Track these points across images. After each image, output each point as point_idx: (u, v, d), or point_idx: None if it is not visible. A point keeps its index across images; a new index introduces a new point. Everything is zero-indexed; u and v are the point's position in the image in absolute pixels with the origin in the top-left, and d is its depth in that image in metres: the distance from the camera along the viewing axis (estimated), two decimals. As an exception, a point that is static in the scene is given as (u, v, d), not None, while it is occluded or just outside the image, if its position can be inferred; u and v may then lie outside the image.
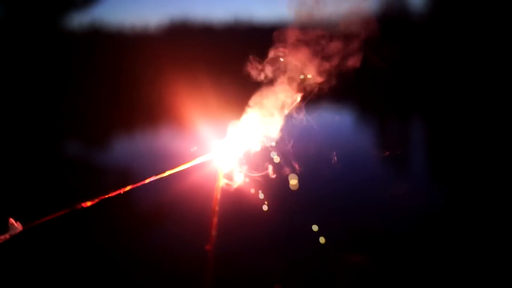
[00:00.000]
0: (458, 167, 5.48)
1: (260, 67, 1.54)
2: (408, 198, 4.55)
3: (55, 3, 10.37)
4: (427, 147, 7.18)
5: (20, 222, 1.14)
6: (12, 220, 1.15)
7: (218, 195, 1.29)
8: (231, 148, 1.36)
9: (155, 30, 12.27)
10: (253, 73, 1.53)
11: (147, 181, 1.20)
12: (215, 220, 1.27)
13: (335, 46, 1.52)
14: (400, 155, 6.61)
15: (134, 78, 10.30)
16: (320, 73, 1.52)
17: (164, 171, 1.25)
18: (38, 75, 9.07)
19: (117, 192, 1.15)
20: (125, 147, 7.53)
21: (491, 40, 9.75)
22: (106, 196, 1.14)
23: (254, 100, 1.47)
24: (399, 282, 3.10)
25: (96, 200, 1.13)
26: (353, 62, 1.56)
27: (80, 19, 11.73)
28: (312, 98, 1.50)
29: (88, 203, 1.14)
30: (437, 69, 9.81)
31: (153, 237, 3.63)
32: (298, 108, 1.47)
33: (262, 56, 1.55)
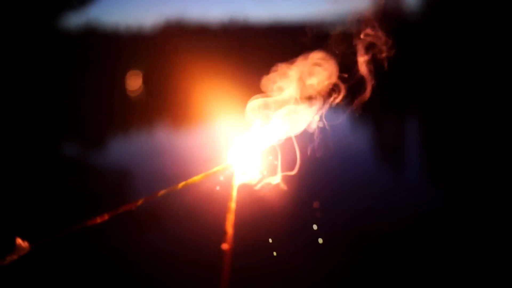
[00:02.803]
0: (455, 166, 5.50)
1: (261, 68, 1.52)
2: (405, 196, 4.55)
3: (51, 4, 10.29)
4: (423, 146, 7.19)
5: (27, 241, 1.10)
6: (19, 240, 1.11)
7: (234, 192, 1.26)
8: (244, 146, 1.34)
9: (151, 30, 12.22)
10: (256, 74, 1.51)
11: (160, 194, 1.16)
12: (231, 218, 1.23)
13: (337, 46, 1.51)
14: (397, 154, 6.62)
15: (131, 77, 10.26)
16: (326, 74, 1.50)
17: (176, 182, 1.21)
18: (34, 75, 9.00)
19: (129, 207, 1.10)
20: (123, 147, 7.48)
21: (486, 39, 9.77)
22: (119, 212, 1.09)
23: (256, 98, 1.44)
24: (397, 280, 3.10)
25: (107, 217, 1.09)
26: (352, 62, 1.55)
27: (76, 19, 11.66)
28: (314, 99, 1.48)
29: (98, 220, 1.09)
30: (433, 68, 9.82)
31: (167, 236, 3.63)
32: (301, 110, 1.45)
33: (256, 55, 1.52)
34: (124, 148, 7.46)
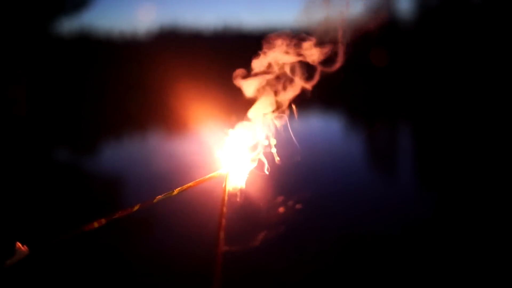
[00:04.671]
0: (446, 172, 5.53)
1: (250, 72, 1.55)
2: (396, 202, 4.58)
3: (45, 9, 10.27)
4: (415, 152, 7.23)
5: (27, 245, 1.13)
6: (19, 244, 1.14)
7: (225, 196, 1.29)
8: (234, 152, 1.36)
9: (145, 35, 12.22)
10: (244, 78, 1.53)
11: (155, 200, 1.19)
12: (223, 221, 1.26)
13: (324, 52, 1.53)
14: (388, 161, 6.66)
15: (123, 83, 10.24)
16: (310, 79, 1.53)
17: (172, 188, 1.24)
18: (27, 79, 8.96)
19: (126, 212, 1.14)
20: (117, 153, 7.47)
21: (478, 46, 9.87)
22: (116, 217, 1.12)
23: (245, 105, 1.47)
24: (387, 285, 3.12)
25: (104, 222, 1.12)
26: (342, 68, 1.57)
27: (70, 24, 11.63)
28: (302, 104, 1.51)
29: (96, 224, 1.12)
30: (425, 75, 9.90)
31: (160, 240, 3.64)
32: (290, 114, 1.48)
33: (250, 62, 1.56)
34: (118, 154, 7.45)
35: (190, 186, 1.24)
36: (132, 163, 6.42)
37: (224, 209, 1.27)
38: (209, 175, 1.30)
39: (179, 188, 1.22)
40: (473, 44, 10.12)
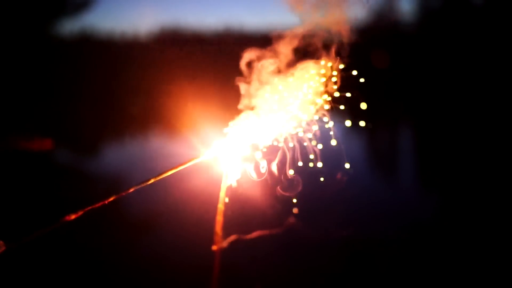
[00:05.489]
0: (447, 174, 5.52)
1: (251, 74, 1.52)
2: (398, 204, 4.56)
3: (46, 9, 10.29)
4: (416, 154, 7.23)
5: (4, 240, 1.08)
6: (-5, 239, 1.08)
7: (223, 193, 1.26)
8: (233, 147, 1.33)
9: (146, 37, 12.24)
10: (246, 80, 1.50)
11: (131, 190, 1.15)
12: (220, 219, 1.23)
13: (325, 54, 1.50)
14: (390, 162, 6.64)
15: (125, 85, 10.25)
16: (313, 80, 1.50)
17: (149, 178, 1.20)
18: (28, 80, 8.98)
19: (101, 203, 1.09)
20: (117, 154, 7.48)
21: (480, 49, 9.87)
22: (90, 208, 1.08)
23: (247, 105, 1.43)
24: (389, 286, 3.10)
25: (81, 213, 1.07)
26: (344, 70, 1.54)
27: (71, 26, 11.66)
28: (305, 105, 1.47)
29: (72, 216, 1.07)
30: (426, 76, 9.90)
31: (157, 239, 3.63)
32: (291, 115, 1.44)
33: (252, 64, 1.54)
34: (117, 155, 7.46)
35: (167, 174, 1.20)
36: (132, 164, 6.41)
37: (221, 207, 1.24)
38: (187, 163, 1.25)
39: (153, 179, 1.18)
40: (476, 46, 10.11)
